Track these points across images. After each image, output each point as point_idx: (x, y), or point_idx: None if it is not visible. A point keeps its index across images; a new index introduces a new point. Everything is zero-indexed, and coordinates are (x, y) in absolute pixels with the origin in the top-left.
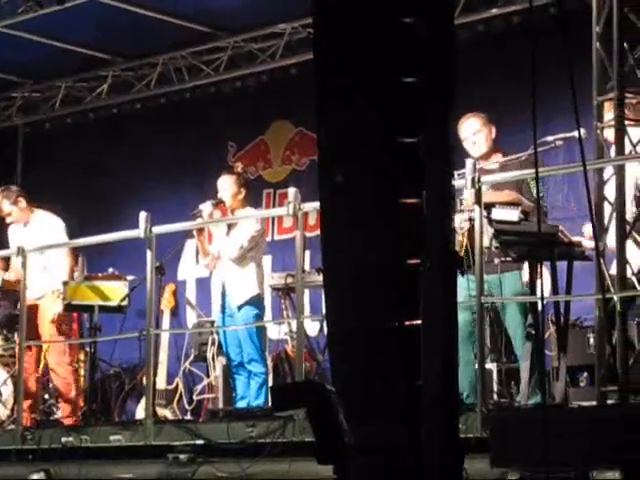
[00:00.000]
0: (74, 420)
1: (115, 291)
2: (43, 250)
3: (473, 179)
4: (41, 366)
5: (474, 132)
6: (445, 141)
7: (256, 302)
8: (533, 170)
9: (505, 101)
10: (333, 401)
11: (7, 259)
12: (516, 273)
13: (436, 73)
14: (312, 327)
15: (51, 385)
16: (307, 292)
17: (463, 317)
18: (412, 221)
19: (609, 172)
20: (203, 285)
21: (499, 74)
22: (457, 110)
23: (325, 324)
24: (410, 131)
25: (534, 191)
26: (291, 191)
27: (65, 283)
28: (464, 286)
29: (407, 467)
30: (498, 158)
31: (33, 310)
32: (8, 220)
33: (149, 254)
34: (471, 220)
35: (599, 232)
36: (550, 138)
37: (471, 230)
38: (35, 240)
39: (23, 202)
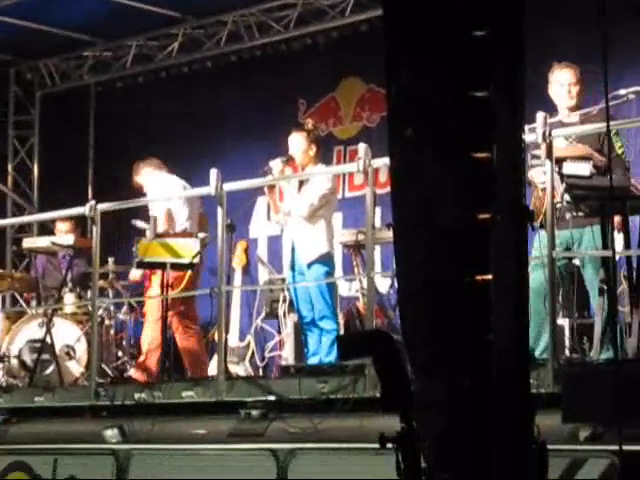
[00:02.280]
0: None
1: (187, 248)
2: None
3: (544, 133)
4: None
5: (575, 82)
6: (515, 94)
7: (326, 260)
8: (604, 124)
9: (576, 53)
10: (399, 349)
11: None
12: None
13: (504, 26)
14: (383, 283)
15: (124, 343)
16: (378, 248)
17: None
18: (482, 175)
19: None
20: (275, 243)
21: (571, 26)
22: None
23: (396, 280)
24: (480, 85)
25: (617, 145)
26: (361, 147)
27: (137, 241)
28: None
29: (474, 420)
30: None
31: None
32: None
33: (220, 211)
34: None
35: None
36: (623, 92)
37: None
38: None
39: (140, 171)
